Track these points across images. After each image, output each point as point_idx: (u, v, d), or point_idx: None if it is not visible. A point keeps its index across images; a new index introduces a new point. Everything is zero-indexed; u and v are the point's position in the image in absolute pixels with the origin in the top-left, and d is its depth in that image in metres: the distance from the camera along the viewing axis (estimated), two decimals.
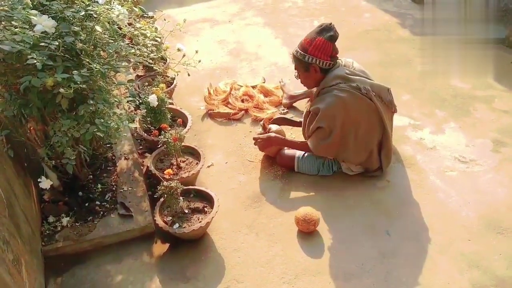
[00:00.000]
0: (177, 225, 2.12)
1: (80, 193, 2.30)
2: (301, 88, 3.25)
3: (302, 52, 2.35)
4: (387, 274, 2.04)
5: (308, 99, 2.75)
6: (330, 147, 2.43)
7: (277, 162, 2.68)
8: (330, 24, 2.32)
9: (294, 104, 3.21)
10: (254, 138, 2.67)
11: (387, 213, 2.36)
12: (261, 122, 2.85)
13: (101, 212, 2.24)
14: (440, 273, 2.05)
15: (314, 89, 2.58)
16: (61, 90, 1.63)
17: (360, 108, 2.35)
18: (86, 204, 2.26)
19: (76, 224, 2.16)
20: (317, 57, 2.32)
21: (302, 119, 2.85)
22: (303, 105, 3.16)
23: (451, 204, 2.41)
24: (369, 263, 2.10)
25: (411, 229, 2.26)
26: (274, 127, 2.75)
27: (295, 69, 2.47)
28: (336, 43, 2.35)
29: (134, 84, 2.74)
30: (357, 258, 2.12)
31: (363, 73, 2.46)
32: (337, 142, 2.39)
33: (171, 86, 3.11)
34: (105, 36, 1.92)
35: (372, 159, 2.49)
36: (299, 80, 2.52)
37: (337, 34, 2.32)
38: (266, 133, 2.68)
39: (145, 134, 2.66)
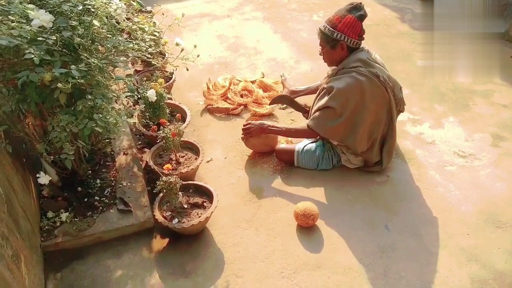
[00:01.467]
0: (176, 220, 2.12)
1: (79, 189, 2.30)
2: (301, 84, 3.26)
3: (331, 28, 2.32)
4: (386, 269, 2.05)
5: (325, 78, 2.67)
6: (337, 130, 2.40)
7: (276, 157, 2.68)
8: (360, 3, 2.32)
9: (295, 100, 3.20)
10: (244, 125, 2.62)
11: (386, 208, 2.36)
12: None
13: (100, 208, 2.23)
14: (439, 267, 2.05)
15: (322, 81, 2.56)
16: (59, 85, 1.63)
17: (375, 95, 2.34)
18: (85, 200, 2.26)
19: (75, 219, 2.16)
20: (346, 34, 2.31)
21: (305, 105, 2.85)
22: (303, 100, 3.15)
23: (450, 198, 2.41)
24: (369, 258, 2.10)
25: (410, 224, 2.27)
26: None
27: (320, 45, 2.44)
28: None
29: (132, 79, 2.72)
30: (357, 252, 2.13)
31: (382, 65, 2.46)
32: (346, 125, 2.38)
33: (170, 81, 3.11)
34: (103, 30, 1.91)
35: (372, 151, 2.48)
36: (322, 56, 2.48)
37: (366, 14, 2.32)
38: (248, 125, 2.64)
39: (144, 129, 2.66)
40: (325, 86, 2.42)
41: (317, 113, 2.43)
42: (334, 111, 2.35)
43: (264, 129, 2.58)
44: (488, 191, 2.45)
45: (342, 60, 2.40)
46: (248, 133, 2.61)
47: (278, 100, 2.94)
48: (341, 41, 2.32)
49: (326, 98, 2.37)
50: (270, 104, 2.95)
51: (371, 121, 2.39)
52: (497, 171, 2.58)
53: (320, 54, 2.48)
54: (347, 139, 2.43)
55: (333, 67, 2.51)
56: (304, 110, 2.86)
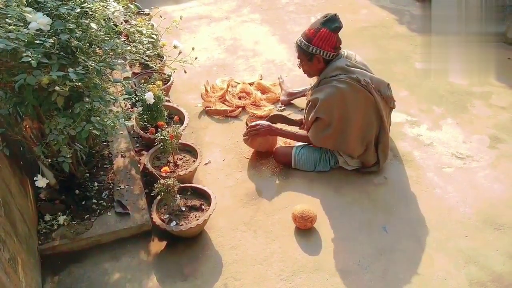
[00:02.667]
0: (174, 223, 2.12)
1: (77, 192, 2.29)
2: (298, 86, 3.26)
3: (306, 43, 2.35)
4: (385, 271, 2.05)
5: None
6: (330, 138, 2.44)
7: (274, 159, 2.68)
8: (335, 14, 2.32)
9: (292, 101, 3.20)
10: (250, 127, 2.60)
11: (384, 210, 2.36)
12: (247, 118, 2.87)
13: (98, 210, 2.23)
14: (438, 269, 2.05)
15: (308, 93, 2.58)
16: (57, 88, 1.62)
17: (358, 100, 2.35)
18: (83, 203, 2.26)
19: (73, 222, 2.16)
20: (321, 48, 2.33)
21: (299, 118, 2.86)
22: (301, 102, 3.16)
23: (448, 200, 2.41)
24: (367, 260, 2.10)
25: (409, 226, 2.27)
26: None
27: (298, 58, 2.47)
28: None
29: (130, 81, 2.72)
30: (355, 254, 2.13)
31: (364, 66, 2.47)
32: (336, 132, 2.40)
33: (168, 84, 3.11)
34: (101, 33, 1.91)
35: (369, 153, 2.49)
36: (301, 69, 2.51)
37: (341, 25, 2.33)
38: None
39: (142, 132, 2.66)
40: (310, 99, 2.46)
41: (312, 126, 2.48)
42: (323, 121, 2.39)
43: (273, 130, 2.61)
44: (486, 193, 2.45)
45: (321, 71, 2.43)
46: (256, 132, 2.59)
47: (271, 120, 2.90)
48: (317, 55, 2.35)
49: (314, 111, 2.41)
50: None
51: (360, 125, 2.40)
52: (495, 173, 2.58)
53: (299, 67, 2.51)
54: (340, 146, 2.47)
55: (314, 77, 2.54)
56: (298, 124, 2.86)
